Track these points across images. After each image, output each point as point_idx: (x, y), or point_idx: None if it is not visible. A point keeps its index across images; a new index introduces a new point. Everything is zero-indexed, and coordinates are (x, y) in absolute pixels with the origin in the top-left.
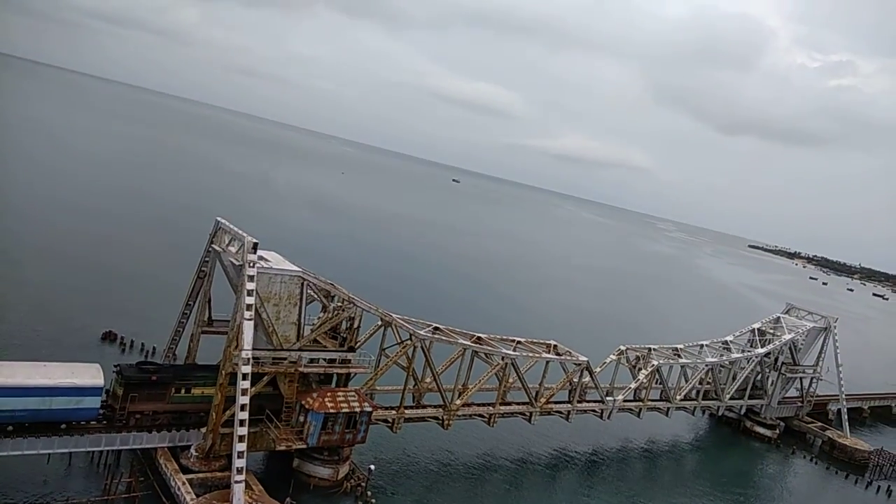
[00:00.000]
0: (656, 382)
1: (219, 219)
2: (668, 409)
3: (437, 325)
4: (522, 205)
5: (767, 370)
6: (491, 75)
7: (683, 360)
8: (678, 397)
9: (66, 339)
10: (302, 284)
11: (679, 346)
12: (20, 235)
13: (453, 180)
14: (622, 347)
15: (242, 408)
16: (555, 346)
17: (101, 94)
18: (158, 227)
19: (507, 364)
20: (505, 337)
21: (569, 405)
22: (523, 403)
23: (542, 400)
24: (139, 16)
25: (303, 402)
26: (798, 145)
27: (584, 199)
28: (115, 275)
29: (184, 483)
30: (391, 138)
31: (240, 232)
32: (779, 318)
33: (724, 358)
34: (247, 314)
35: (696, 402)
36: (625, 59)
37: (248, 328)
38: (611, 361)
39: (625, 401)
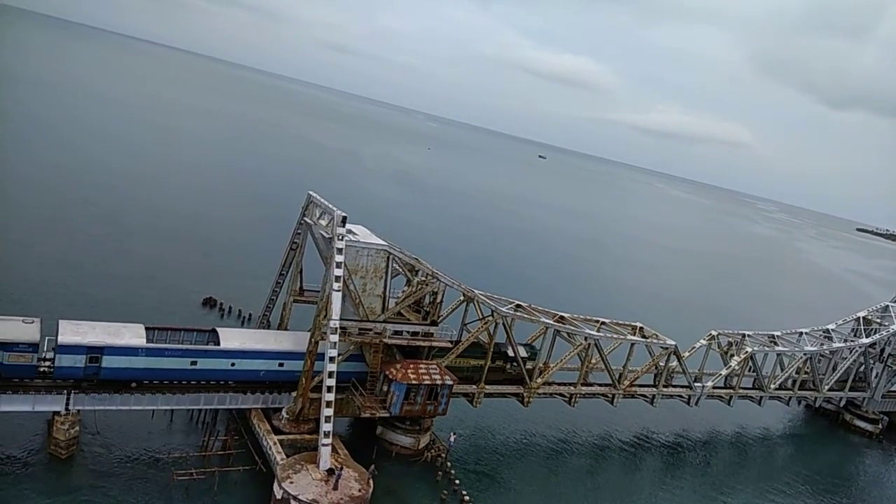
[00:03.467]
0: (749, 370)
1: (311, 192)
2: (761, 398)
3: (519, 303)
4: (610, 182)
5: (872, 361)
6: (580, 47)
7: (780, 348)
8: (773, 386)
9: (171, 304)
10: (388, 258)
11: (776, 334)
12: (128, 208)
13: (539, 156)
14: (713, 332)
15: (330, 375)
16: (641, 328)
17: (194, 70)
18: (254, 200)
19: (590, 345)
20: (589, 317)
21: (654, 389)
22: (606, 385)
23: (626, 383)
24: None
25: (386, 373)
26: None
27: (675, 177)
28: (215, 245)
29: (275, 443)
30: (477, 113)
31: (330, 206)
32: (887, 306)
33: (825, 347)
34: (335, 285)
35: (791, 392)
36: (722, 27)
37: (336, 299)
38: (700, 346)
39: (714, 387)
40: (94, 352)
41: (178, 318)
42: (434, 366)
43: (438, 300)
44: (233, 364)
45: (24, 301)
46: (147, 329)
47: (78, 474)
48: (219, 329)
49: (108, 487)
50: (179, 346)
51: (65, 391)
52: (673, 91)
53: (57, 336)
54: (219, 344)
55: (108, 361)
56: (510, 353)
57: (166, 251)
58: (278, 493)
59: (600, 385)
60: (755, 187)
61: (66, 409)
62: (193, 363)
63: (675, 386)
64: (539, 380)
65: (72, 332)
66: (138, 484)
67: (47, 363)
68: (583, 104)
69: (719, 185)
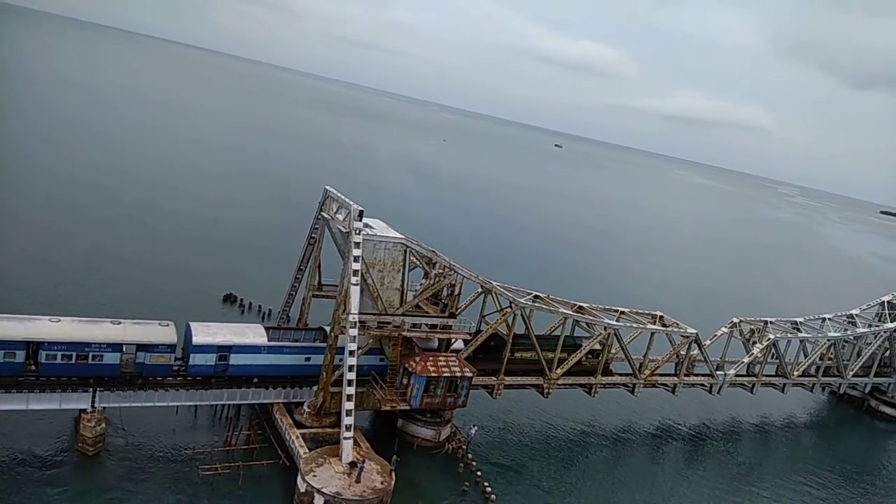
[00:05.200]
0: (772, 357)
1: (327, 187)
2: (785, 385)
3: (538, 294)
4: (628, 169)
5: None
6: (595, 33)
7: (803, 335)
8: (796, 373)
9: (193, 301)
10: (405, 251)
11: (798, 320)
12: (147, 203)
13: (555, 145)
14: (735, 320)
15: (350, 368)
16: (661, 317)
17: (206, 67)
18: (271, 197)
19: (609, 334)
20: (608, 307)
21: (675, 378)
22: (626, 375)
23: (647, 372)
24: None
25: (406, 366)
26: None
27: (695, 162)
28: (233, 242)
29: (297, 437)
30: (491, 103)
31: (347, 200)
32: None
33: (849, 332)
34: (353, 279)
35: (815, 379)
36: (743, 8)
37: (354, 293)
38: (722, 334)
39: (737, 375)
40: (224, 350)
41: (201, 315)
42: (454, 358)
43: (456, 292)
44: (341, 360)
45: (56, 302)
46: (266, 329)
47: (105, 470)
48: (325, 327)
49: (135, 483)
50: (296, 344)
51: (90, 389)
52: (692, 76)
53: (191, 337)
54: (325, 341)
55: (235, 359)
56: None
57: (185, 250)
58: (302, 487)
59: (620, 375)
60: (776, 171)
61: (92, 406)
62: (307, 359)
63: (696, 374)
64: (559, 370)
65: (204, 333)
66: (164, 479)
67: (178, 362)
68: (600, 91)
69: (740, 171)
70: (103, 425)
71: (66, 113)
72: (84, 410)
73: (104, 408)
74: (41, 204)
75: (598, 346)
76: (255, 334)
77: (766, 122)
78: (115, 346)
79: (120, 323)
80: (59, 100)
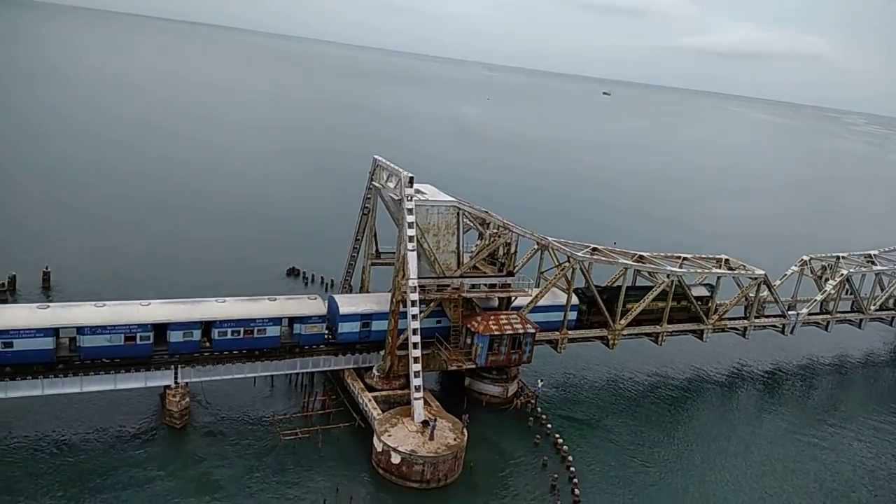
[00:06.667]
0: (846, 293)
1: (376, 157)
2: (861, 320)
3: (595, 246)
4: (681, 111)
5: None
6: None
7: (878, 267)
8: (873, 307)
9: (260, 276)
10: (458, 214)
11: (873, 252)
12: (204, 187)
13: (603, 93)
14: (805, 257)
15: (414, 332)
16: (726, 260)
17: (243, 45)
18: (322, 171)
19: (672, 282)
20: (670, 254)
21: (745, 321)
22: (693, 321)
23: (715, 317)
24: None
25: (468, 326)
26: None
27: (753, 98)
28: (292, 219)
29: (370, 400)
30: (534, 57)
31: (396, 168)
32: None
33: None
34: (409, 245)
35: (894, 312)
36: None
37: (412, 258)
38: (792, 273)
39: (809, 314)
40: (366, 318)
41: (268, 290)
42: (515, 315)
43: (512, 251)
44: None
45: (141, 281)
46: None
47: (193, 441)
48: None
49: (223, 451)
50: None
51: (172, 366)
52: (743, 7)
53: (337, 308)
54: None
55: (376, 325)
56: (694, 293)
57: (246, 228)
58: (378, 447)
59: (688, 322)
60: (841, 101)
61: (175, 382)
62: (438, 322)
63: (767, 316)
64: (623, 321)
65: (348, 304)
66: (249, 446)
67: (326, 331)
68: (645, 33)
69: (801, 103)
70: (188, 399)
71: (115, 108)
72: (168, 386)
73: (187, 383)
74: (103, 197)
75: (705, 293)
76: (387, 302)
77: (826, 50)
78: (276, 321)
79: (276, 299)
80: (102, 94)
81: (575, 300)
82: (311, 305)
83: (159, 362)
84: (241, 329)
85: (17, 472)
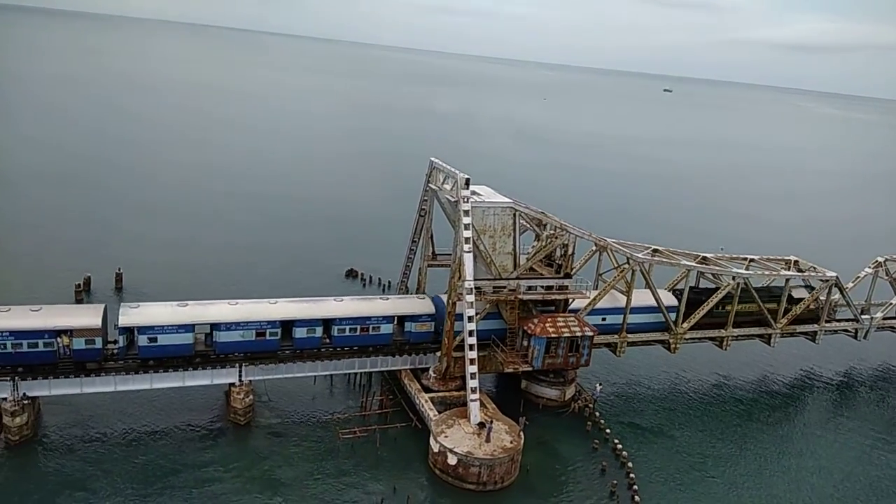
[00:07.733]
0: None
1: (433, 159)
2: None
3: (657, 247)
4: (747, 107)
5: None
6: None
7: None
8: None
9: (319, 278)
10: (514, 215)
11: None
12: (265, 192)
13: (664, 90)
14: (880, 259)
15: (471, 333)
16: (796, 261)
17: (297, 52)
18: (379, 175)
19: (738, 284)
20: (735, 255)
21: (815, 326)
22: (760, 325)
23: (784, 321)
24: None
25: (525, 328)
26: None
27: (823, 93)
28: (350, 221)
29: (426, 401)
30: (592, 54)
31: (452, 170)
32: None
33: None
34: (465, 247)
35: None
36: None
37: (468, 260)
38: (866, 276)
39: (885, 318)
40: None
41: (326, 291)
42: (573, 318)
43: (570, 252)
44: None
45: (206, 282)
46: None
47: (257, 437)
48: None
49: (285, 450)
50: None
51: (237, 365)
52: None
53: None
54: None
55: (483, 325)
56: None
57: (305, 232)
58: (435, 447)
59: (754, 325)
60: None
61: (240, 380)
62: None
63: (839, 320)
64: (685, 325)
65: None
66: (309, 443)
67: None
68: (708, 27)
69: (874, 96)
70: (251, 397)
71: (169, 117)
72: (233, 384)
73: (250, 381)
74: (172, 202)
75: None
76: (485, 303)
77: None
78: (389, 318)
79: (388, 299)
80: (180, 100)
81: (673, 301)
82: (420, 304)
83: (254, 358)
84: (358, 326)
85: (92, 468)
